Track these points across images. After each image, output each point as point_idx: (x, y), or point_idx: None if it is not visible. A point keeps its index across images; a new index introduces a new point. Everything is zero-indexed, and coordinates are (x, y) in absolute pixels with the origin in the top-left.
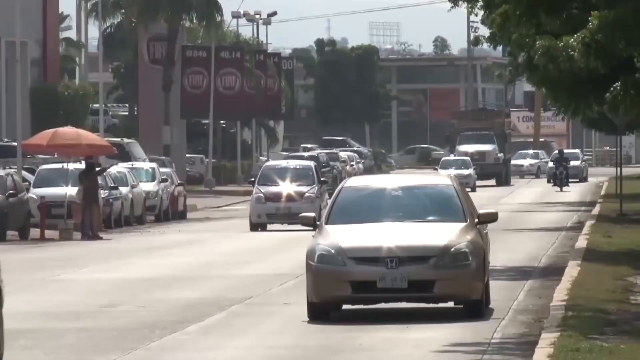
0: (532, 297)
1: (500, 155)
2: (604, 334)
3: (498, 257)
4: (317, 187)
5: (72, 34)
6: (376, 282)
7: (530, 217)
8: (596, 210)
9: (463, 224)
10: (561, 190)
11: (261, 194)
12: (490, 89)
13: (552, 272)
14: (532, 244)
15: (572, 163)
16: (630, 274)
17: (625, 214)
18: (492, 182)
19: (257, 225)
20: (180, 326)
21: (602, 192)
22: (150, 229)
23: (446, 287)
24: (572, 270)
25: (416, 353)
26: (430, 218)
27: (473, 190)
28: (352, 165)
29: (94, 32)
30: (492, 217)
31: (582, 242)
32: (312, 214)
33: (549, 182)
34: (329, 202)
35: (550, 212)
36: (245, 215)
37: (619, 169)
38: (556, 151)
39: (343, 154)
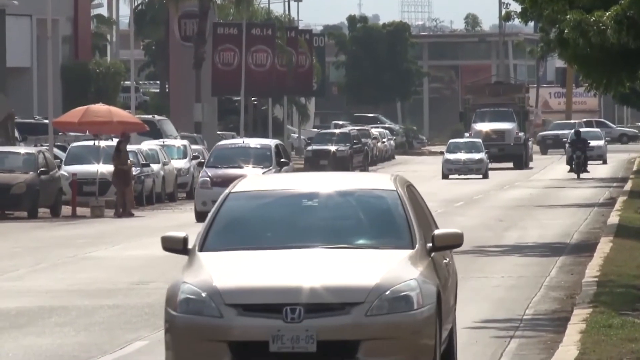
0: (564, 273)
1: (521, 134)
2: (637, 310)
3: (530, 234)
4: (273, 170)
5: (103, 11)
6: (268, 343)
7: (562, 193)
8: (628, 186)
9: (409, 252)
10: (578, 177)
11: (207, 178)
12: (522, 65)
13: (584, 248)
14: (564, 220)
15: (596, 143)
16: None
17: None
18: (510, 164)
19: (202, 215)
20: None
21: (634, 168)
22: (181, 206)
23: (377, 350)
24: (604, 246)
25: None
26: (360, 242)
27: (485, 177)
28: (384, 142)
29: (125, 9)
30: (454, 241)
31: (614, 218)
32: (182, 234)
33: (568, 164)
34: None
35: (582, 188)
36: None
37: None
38: (572, 131)
39: (374, 131)
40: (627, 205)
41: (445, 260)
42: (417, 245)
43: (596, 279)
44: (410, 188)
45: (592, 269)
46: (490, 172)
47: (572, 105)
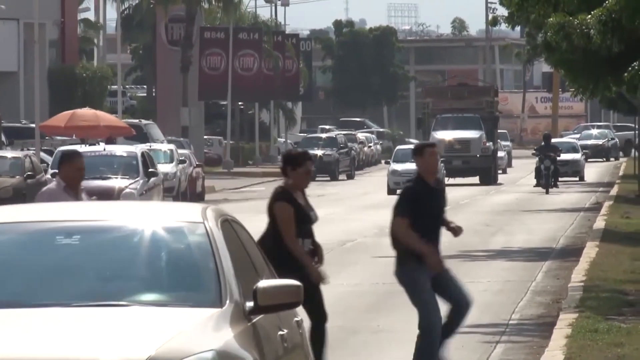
0: (550, 278)
1: (489, 144)
2: (622, 314)
3: (516, 238)
4: (142, 181)
5: (90, 15)
6: None
7: (549, 198)
8: (614, 191)
9: (213, 311)
10: (547, 192)
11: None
12: (509, 69)
13: (570, 253)
14: (550, 225)
15: (570, 156)
16: None
17: None
18: (475, 179)
19: None
20: None
21: (620, 173)
22: None
23: None
24: (590, 251)
25: None
26: (139, 297)
27: None
28: (370, 146)
29: (112, 13)
30: (288, 297)
31: (600, 223)
32: None
33: (536, 176)
34: None
35: (568, 193)
36: (264, 197)
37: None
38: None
39: (361, 135)
40: (613, 210)
41: (281, 332)
42: (227, 302)
43: (582, 284)
44: (228, 223)
45: (578, 274)
46: (448, 188)
47: (558, 110)
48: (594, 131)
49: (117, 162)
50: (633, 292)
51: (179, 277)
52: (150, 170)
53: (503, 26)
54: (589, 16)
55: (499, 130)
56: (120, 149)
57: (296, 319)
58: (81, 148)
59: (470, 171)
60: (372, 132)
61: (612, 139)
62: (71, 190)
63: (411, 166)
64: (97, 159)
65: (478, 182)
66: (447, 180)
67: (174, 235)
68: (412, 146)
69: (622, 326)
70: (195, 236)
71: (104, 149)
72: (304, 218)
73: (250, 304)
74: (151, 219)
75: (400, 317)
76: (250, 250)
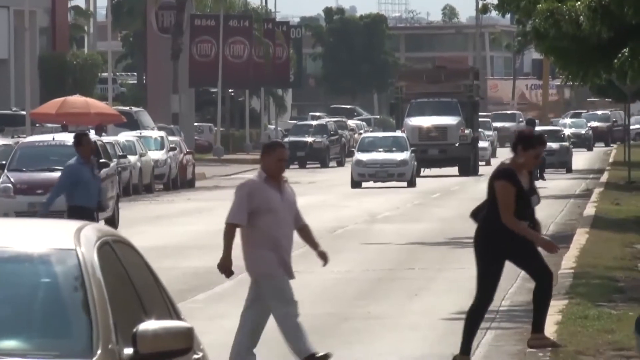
0: None
1: (468, 131)
2: (612, 301)
3: None
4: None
5: (81, 2)
6: None
7: (538, 184)
8: (604, 177)
9: None
10: None
11: (9, 184)
12: (499, 57)
13: (561, 239)
14: (540, 212)
15: (556, 145)
16: (638, 242)
17: (633, 181)
18: (454, 170)
19: None
20: (189, 294)
21: (611, 160)
22: (158, 198)
23: None
24: (581, 237)
25: (424, 321)
26: None
27: (411, 184)
28: (361, 133)
29: (102, 0)
30: (174, 343)
31: (590, 210)
32: None
33: None
34: None
35: (559, 179)
36: None
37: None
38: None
39: (351, 122)
40: (603, 196)
41: None
42: (99, 352)
43: (572, 271)
44: (109, 247)
45: (569, 261)
46: (420, 180)
47: (548, 97)
48: (568, 120)
49: (66, 153)
50: (623, 278)
51: (39, 319)
52: (101, 161)
53: (493, 13)
54: (578, 3)
55: (483, 119)
56: (69, 139)
57: (195, 356)
58: (45, 137)
59: (447, 161)
60: (368, 120)
61: (589, 128)
62: (273, 181)
63: (377, 156)
64: (46, 150)
65: (457, 173)
66: (423, 172)
67: (37, 266)
68: (379, 135)
69: (612, 312)
70: (64, 266)
71: (53, 139)
72: (524, 200)
73: (129, 351)
74: (12, 243)
75: (391, 303)
76: (137, 280)
